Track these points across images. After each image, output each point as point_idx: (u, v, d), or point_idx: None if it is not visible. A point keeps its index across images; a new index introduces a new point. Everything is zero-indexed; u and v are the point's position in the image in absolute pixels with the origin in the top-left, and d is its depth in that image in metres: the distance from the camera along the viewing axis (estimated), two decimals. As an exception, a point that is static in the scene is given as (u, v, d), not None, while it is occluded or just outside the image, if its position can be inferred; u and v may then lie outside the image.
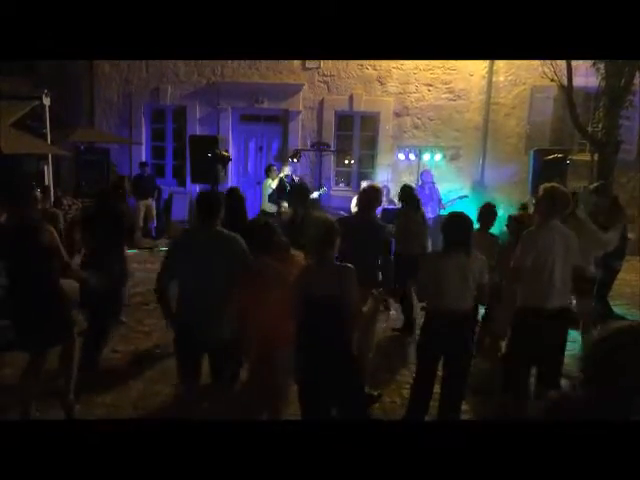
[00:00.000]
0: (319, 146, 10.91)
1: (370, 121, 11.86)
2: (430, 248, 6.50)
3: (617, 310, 6.17)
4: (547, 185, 3.77)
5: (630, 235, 6.02)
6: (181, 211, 11.70)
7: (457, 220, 3.58)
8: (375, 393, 4.39)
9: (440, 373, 3.73)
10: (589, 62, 8.79)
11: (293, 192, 5.61)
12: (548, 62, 8.96)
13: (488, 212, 5.25)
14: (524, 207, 5.98)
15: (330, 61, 11.36)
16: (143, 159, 11.93)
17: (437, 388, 3.74)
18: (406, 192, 6.44)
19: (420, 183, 9.95)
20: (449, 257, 3.53)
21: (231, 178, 11.50)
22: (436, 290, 3.56)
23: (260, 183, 10.38)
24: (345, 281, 3.00)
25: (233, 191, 5.16)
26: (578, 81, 9.05)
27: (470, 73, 11.17)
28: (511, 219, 5.19)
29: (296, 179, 9.54)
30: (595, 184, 6.13)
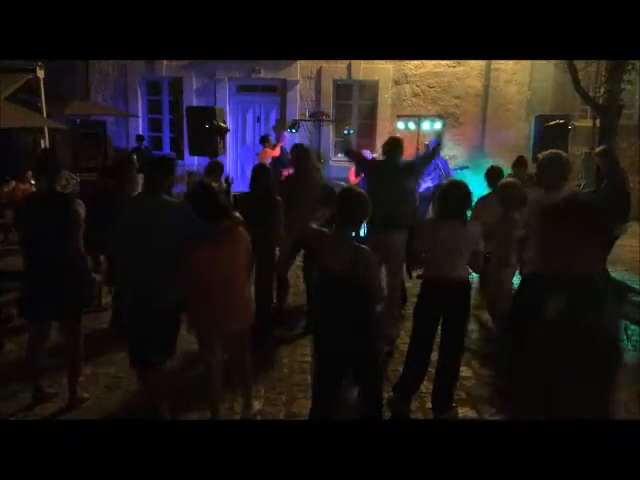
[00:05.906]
0: (318, 116, 10.78)
1: (369, 90, 11.71)
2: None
3: (616, 275, 6.18)
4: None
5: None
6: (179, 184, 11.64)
7: (455, 188, 3.62)
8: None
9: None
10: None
11: (295, 151, 5.29)
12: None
13: (497, 174, 5.60)
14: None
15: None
16: (140, 131, 11.82)
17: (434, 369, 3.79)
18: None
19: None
20: (444, 224, 3.56)
21: (229, 149, 11.41)
22: (431, 257, 3.66)
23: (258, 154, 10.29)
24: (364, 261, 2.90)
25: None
26: (580, 45, 8.90)
27: (470, 38, 11.02)
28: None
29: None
30: (600, 147, 6.07)
